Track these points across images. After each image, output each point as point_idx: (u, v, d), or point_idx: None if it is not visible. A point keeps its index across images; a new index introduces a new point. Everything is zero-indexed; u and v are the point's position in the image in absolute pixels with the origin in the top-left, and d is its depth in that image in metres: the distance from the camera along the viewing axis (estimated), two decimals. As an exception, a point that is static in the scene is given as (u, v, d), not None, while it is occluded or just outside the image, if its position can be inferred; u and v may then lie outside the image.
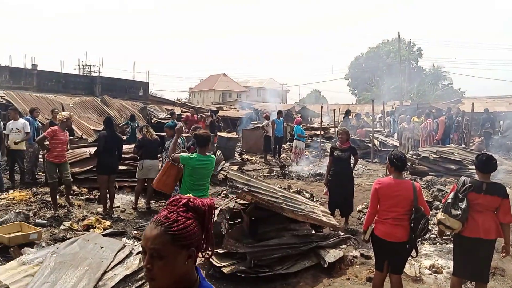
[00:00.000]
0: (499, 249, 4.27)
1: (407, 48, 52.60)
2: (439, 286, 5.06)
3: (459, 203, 4.06)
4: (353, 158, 7.39)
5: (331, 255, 5.45)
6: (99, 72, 32.54)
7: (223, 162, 11.28)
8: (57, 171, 7.46)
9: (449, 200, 4.17)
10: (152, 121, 19.30)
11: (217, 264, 4.95)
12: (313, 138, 18.38)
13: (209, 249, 1.53)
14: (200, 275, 1.54)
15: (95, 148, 7.78)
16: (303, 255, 5.45)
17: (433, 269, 5.45)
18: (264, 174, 11.81)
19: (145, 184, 8.01)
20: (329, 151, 7.44)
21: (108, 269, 4.26)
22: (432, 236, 6.46)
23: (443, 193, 8.11)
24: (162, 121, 17.41)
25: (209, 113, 20.08)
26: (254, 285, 4.90)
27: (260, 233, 5.53)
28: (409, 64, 51.38)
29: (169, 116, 16.60)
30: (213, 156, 5.57)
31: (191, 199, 1.47)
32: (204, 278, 1.55)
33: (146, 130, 8.32)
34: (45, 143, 7.26)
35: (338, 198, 7.12)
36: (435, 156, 11.15)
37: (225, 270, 4.87)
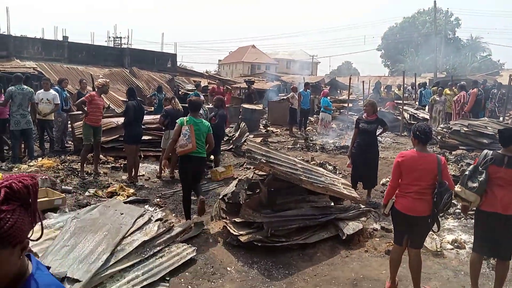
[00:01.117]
0: None
1: (444, 18, 50.24)
2: (460, 261, 4.94)
3: (478, 176, 3.91)
4: (380, 130, 7.23)
5: (350, 227, 5.41)
6: (129, 44, 32.87)
7: (247, 133, 11.27)
8: (93, 134, 7.75)
9: (467, 173, 4.04)
10: (180, 92, 19.44)
11: (234, 233, 5.00)
12: (341, 110, 18.06)
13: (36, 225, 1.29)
14: (34, 263, 1.33)
15: (123, 118, 7.92)
16: (322, 226, 5.43)
17: (455, 244, 5.32)
18: (288, 146, 11.75)
19: (170, 154, 8.11)
20: (355, 122, 7.27)
21: (127, 235, 4.38)
22: (457, 211, 6.27)
23: (470, 168, 7.82)
24: (189, 92, 17.52)
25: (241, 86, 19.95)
26: (271, 254, 4.94)
27: (279, 203, 5.53)
28: (446, 35, 49.17)
29: (195, 87, 16.63)
30: (205, 121, 6.13)
31: (10, 185, 1.22)
32: (39, 266, 1.34)
33: (172, 100, 8.39)
34: (84, 107, 7.67)
35: (361, 171, 6.99)
36: (466, 129, 10.71)
37: (242, 238, 4.91)
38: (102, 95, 8.03)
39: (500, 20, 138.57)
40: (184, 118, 5.79)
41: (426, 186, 3.90)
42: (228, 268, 4.64)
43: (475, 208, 4.13)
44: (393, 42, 56.50)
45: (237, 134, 11.06)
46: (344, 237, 5.27)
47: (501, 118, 12.93)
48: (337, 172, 8.51)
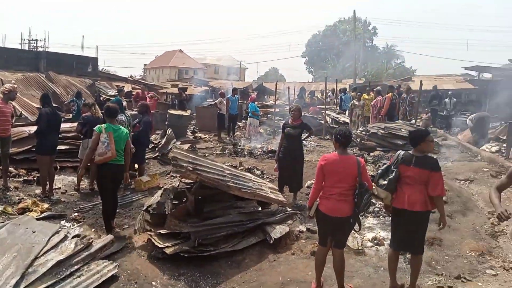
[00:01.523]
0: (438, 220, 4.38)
1: (363, 27, 53.42)
2: (380, 257, 5.21)
3: (389, 174, 4.17)
4: (304, 135, 7.45)
5: (277, 231, 5.48)
6: (45, 47, 30.74)
7: (174, 140, 11.02)
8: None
9: (379, 171, 4.33)
10: (101, 98, 18.50)
11: (160, 245, 4.83)
12: (268, 115, 18.37)
13: None
14: None
15: (36, 127, 7.32)
16: (250, 232, 5.44)
17: (375, 241, 5.60)
18: (217, 152, 11.68)
19: (88, 164, 7.64)
20: (282, 128, 7.42)
21: (39, 255, 4.05)
22: (376, 209, 6.62)
23: (383, 167, 8.35)
24: (111, 98, 16.73)
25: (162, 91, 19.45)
26: (199, 265, 4.84)
27: (206, 212, 5.44)
28: (365, 43, 52.30)
29: (117, 93, 15.95)
30: (124, 128, 5.94)
31: None
32: None
33: (91, 107, 7.90)
34: None
35: (288, 174, 7.14)
36: (383, 132, 11.43)
37: (168, 250, 4.76)
38: (10, 102, 7.36)
39: (413, 30, 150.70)
40: (102, 125, 5.59)
41: (347, 187, 4.06)
42: (153, 283, 4.46)
43: (384, 204, 4.40)
44: (316, 50, 58.93)
45: (163, 141, 10.76)
46: (271, 241, 5.33)
47: (413, 121, 13.96)
48: (265, 177, 8.61)
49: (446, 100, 17.11)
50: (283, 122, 7.91)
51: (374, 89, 15.08)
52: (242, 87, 27.52)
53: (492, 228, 6.11)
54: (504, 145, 11.19)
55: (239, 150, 11.71)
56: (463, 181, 8.42)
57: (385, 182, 4.18)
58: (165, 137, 10.93)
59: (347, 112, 15.71)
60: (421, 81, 15.19)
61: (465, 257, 5.25)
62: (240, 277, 4.72)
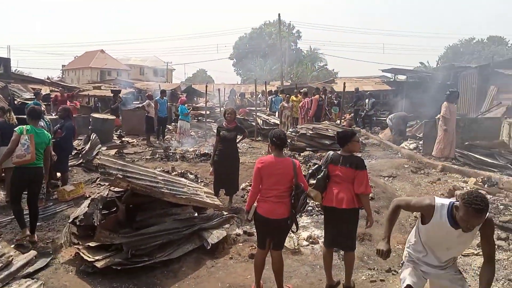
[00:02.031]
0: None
1: (287, 30, 54.90)
2: (315, 256, 5.33)
3: (319, 174, 4.32)
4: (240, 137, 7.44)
5: (214, 236, 5.40)
6: None
7: (99, 146, 10.42)
8: None
9: (310, 171, 4.49)
10: (16, 102, 17.00)
11: (89, 259, 4.52)
12: (199, 118, 18.16)
13: None
14: None
15: None
16: (186, 239, 5.29)
17: (310, 240, 5.73)
18: (147, 157, 11.28)
19: (3, 174, 6.97)
20: (215, 131, 7.32)
21: None
22: (309, 208, 6.78)
23: (314, 167, 8.65)
24: (27, 102, 15.43)
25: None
26: (133, 277, 4.60)
27: (139, 220, 5.19)
28: (290, 46, 53.80)
29: (34, 96, 14.75)
30: (46, 131, 5.89)
31: None
32: None
33: (6, 113, 7.16)
34: None
35: (224, 178, 7.06)
36: (311, 132, 11.81)
37: (99, 264, 4.46)
38: None
39: (334, 34, 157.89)
40: (24, 126, 5.40)
41: (284, 189, 4.10)
42: (84, 300, 4.15)
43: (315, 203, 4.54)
44: (244, 52, 59.44)
45: (87, 147, 10.12)
46: (209, 247, 5.23)
47: (338, 121, 14.62)
48: (199, 181, 8.46)
49: (366, 100, 18.16)
50: (218, 125, 7.83)
51: (301, 91, 15.55)
52: (170, 88, 26.88)
53: (415, 221, 6.54)
54: (421, 142, 12.10)
55: (171, 154, 11.41)
56: (387, 178, 8.94)
57: (314, 181, 4.33)
58: (89, 143, 10.30)
59: (276, 113, 16.03)
60: (344, 83, 15.97)
61: (394, 251, 5.49)
62: (177, 287, 4.56)
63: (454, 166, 9.17)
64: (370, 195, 7.16)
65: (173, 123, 17.72)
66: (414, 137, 13.63)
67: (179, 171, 8.96)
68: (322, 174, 4.32)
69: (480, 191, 7.19)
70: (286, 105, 14.70)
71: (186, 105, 14.89)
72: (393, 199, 3.00)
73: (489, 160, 9.06)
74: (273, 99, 17.57)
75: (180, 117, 14.18)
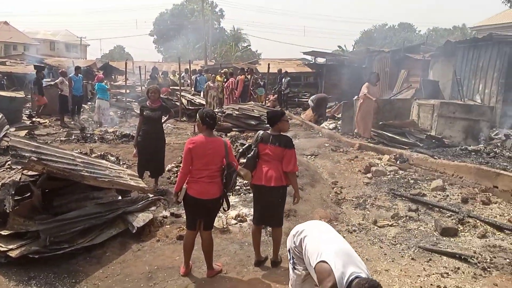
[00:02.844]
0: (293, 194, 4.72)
1: (210, 8, 53.96)
2: (244, 233, 5.42)
3: (249, 153, 4.40)
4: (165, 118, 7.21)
5: (140, 219, 5.23)
6: None
7: (7, 127, 9.49)
8: None
9: (240, 150, 4.54)
10: None
11: (2, 249, 4.14)
12: (118, 97, 17.29)
13: None
14: None
15: None
16: (110, 223, 5.07)
17: (238, 218, 5.80)
18: (61, 138, 10.51)
19: None
20: (138, 110, 7.00)
21: None
22: (237, 187, 6.83)
23: (245, 146, 8.74)
24: None
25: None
26: (53, 265, 4.33)
27: (57, 206, 4.87)
28: (213, 25, 53.04)
29: None
30: None
31: None
32: None
33: None
34: None
35: (148, 160, 6.82)
36: (238, 113, 11.86)
37: (13, 254, 4.12)
38: None
39: (257, 15, 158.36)
40: None
41: (216, 169, 4.08)
42: (-3, 293, 3.82)
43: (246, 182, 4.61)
44: (165, 28, 57.34)
45: (-8, 128, 9.18)
46: (134, 231, 5.06)
47: (263, 102, 14.86)
48: (121, 163, 8.10)
49: (283, 80, 18.56)
50: (141, 104, 7.49)
51: (227, 71, 15.49)
52: (86, 65, 25.20)
53: (336, 196, 6.92)
54: (340, 122, 12.74)
55: (88, 135, 10.76)
56: (309, 156, 9.31)
57: (244, 160, 4.41)
58: None
59: (201, 93, 15.81)
60: (268, 64, 16.20)
61: (317, 225, 5.83)
62: (102, 272, 4.37)
63: (370, 144, 9.79)
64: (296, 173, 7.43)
65: (89, 102, 16.69)
66: (333, 117, 14.30)
67: (99, 153, 8.49)
68: (252, 153, 4.38)
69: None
70: (212, 85, 14.54)
71: (104, 82, 14.07)
72: None
73: (401, 139, 9.81)
74: (197, 78, 17.26)
75: (98, 95, 13.37)
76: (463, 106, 10.60)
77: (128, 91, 16.71)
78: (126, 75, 16.92)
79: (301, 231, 3.17)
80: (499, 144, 9.50)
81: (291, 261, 3.28)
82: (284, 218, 5.58)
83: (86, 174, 5.07)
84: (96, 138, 10.44)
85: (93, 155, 7.69)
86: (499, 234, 5.34)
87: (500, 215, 5.89)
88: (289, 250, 3.31)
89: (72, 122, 13.17)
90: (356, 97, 11.38)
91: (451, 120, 10.06)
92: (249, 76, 15.35)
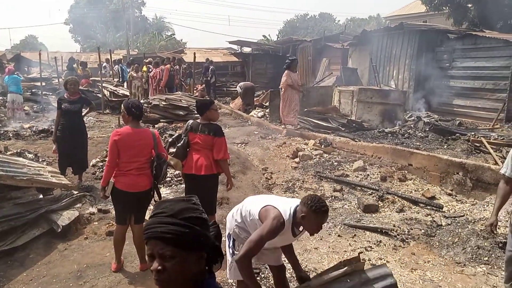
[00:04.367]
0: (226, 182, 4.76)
1: (129, -4, 51.67)
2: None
3: (178, 142, 4.39)
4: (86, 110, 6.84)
5: (65, 217, 5.00)
6: None
7: None
8: None
9: (169, 140, 4.50)
10: None
11: None
12: (33, 90, 16.05)
13: None
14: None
15: None
16: (31, 224, 4.78)
17: (170, 210, 5.74)
18: (-31, 136, 9.59)
19: None
20: (56, 104, 6.59)
21: None
22: (168, 179, 6.75)
23: (174, 136, 8.61)
24: None
25: None
26: (-32, 273, 3.99)
27: (-31, 209, 4.47)
28: (134, 13, 50.95)
29: None
30: None
31: None
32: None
33: None
34: None
35: (70, 155, 6.48)
36: (165, 103, 11.59)
37: None
38: None
39: (179, 3, 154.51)
40: None
41: (144, 160, 4.01)
42: None
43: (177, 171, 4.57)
44: (82, 17, 53.96)
45: None
46: (59, 230, 4.82)
47: (190, 93, 14.67)
48: (40, 160, 7.60)
49: (210, 69, 18.46)
50: (58, 97, 7.04)
51: (152, 61, 15.05)
52: (-7, 57, 23.01)
53: (267, 182, 7.12)
54: (267, 110, 13.00)
55: (1, 132, 9.91)
56: (240, 144, 9.42)
57: (174, 149, 4.37)
58: None
59: (125, 84, 15.23)
60: (194, 53, 16.01)
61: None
62: (26, 275, 4.12)
63: (296, 131, 10.14)
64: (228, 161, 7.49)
65: (0, 97, 15.32)
66: (262, 106, 14.55)
67: (15, 151, 7.89)
68: (182, 142, 4.36)
69: (318, 151, 8.17)
70: (135, 75, 14.05)
71: (16, 73, 12.96)
72: (236, 259, 2.74)
73: (324, 124, 10.28)
74: (123, 67, 16.56)
75: (9, 89, 12.29)
76: (379, 91, 11.36)
77: (43, 83, 15.56)
78: (40, 66, 15.74)
79: (239, 207, 3.15)
80: (412, 125, 10.33)
81: (230, 246, 3.16)
82: (217, 206, 5.67)
83: (1, 173, 4.71)
84: (11, 135, 9.66)
85: (8, 153, 7.13)
86: (414, 208, 5.85)
87: (415, 190, 6.46)
88: (228, 235, 3.18)
89: (-19, 120, 12.03)
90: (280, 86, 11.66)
91: (369, 105, 10.74)
92: (176, 66, 15.04)
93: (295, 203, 2.83)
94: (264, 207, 2.85)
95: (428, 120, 10.60)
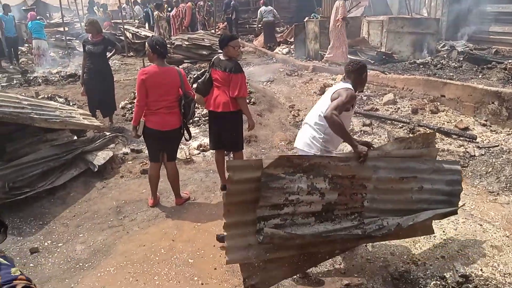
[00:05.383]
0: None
1: None
2: (207, 162, 5.50)
3: (201, 78, 4.34)
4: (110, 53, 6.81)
5: (100, 158, 5.17)
6: None
7: None
8: None
9: (194, 76, 4.43)
10: None
11: (-43, 201, 3.99)
12: (57, 36, 16.08)
13: None
14: None
15: None
16: (69, 164, 4.97)
17: (201, 148, 5.85)
18: (2, 84, 9.81)
19: None
20: (81, 48, 6.56)
21: None
22: (196, 119, 6.80)
23: (200, 72, 8.54)
24: None
25: None
26: (16, 210, 4.26)
27: (10, 151, 4.67)
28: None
29: None
30: None
31: None
32: None
33: None
34: None
35: (98, 97, 6.55)
36: (188, 43, 11.41)
37: (-30, 204, 3.98)
38: None
39: None
40: None
41: (173, 99, 4.00)
42: (-39, 244, 3.74)
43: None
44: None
45: None
46: (95, 169, 5.01)
47: (213, 31, 14.30)
48: (71, 104, 7.75)
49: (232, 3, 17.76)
50: (83, 40, 6.99)
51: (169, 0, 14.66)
52: (14, 4, 22.92)
53: (294, 119, 7.07)
54: (293, 46, 12.63)
55: (31, 78, 10.10)
56: (265, 82, 9.30)
57: (196, 85, 4.34)
58: None
59: (146, 25, 15.00)
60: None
61: (278, 147, 6.00)
62: (69, 212, 4.37)
63: (323, 66, 9.88)
64: (252, 100, 7.44)
65: (26, 44, 15.44)
66: (286, 42, 14.12)
67: (46, 96, 8.06)
68: (203, 78, 4.30)
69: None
70: (161, 15, 13.76)
71: (38, 18, 12.90)
72: (326, 114, 2.88)
73: (353, 57, 9.93)
74: (149, 11, 16.20)
75: (33, 35, 12.33)
76: (411, 20, 10.75)
77: (66, 28, 15.52)
78: (62, 11, 15.62)
79: (306, 136, 3.29)
80: (445, 55, 9.84)
81: None
82: (245, 143, 5.72)
83: (35, 116, 4.84)
84: (40, 81, 9.83)
85: (40, 97, 7.30)
86: (447, 140, 5.74)
87: (448, 122, 6.29)
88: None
89: (11, 67, 12.24)
90: (307, 18, 11.22)
91: (400, 35, 10.23)
92: (200, 2, 14.58)
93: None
94: (331, 94, 3.15)
95: (462, 49, 10.07)
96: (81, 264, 3.46)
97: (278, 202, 2.62)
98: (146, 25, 14.96)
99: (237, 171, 2.56)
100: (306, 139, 3.24)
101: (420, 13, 12.95)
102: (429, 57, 9.75)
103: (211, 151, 5.67)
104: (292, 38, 13.05)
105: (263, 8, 13.78)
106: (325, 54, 10.33)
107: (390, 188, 2.96)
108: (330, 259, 3.30)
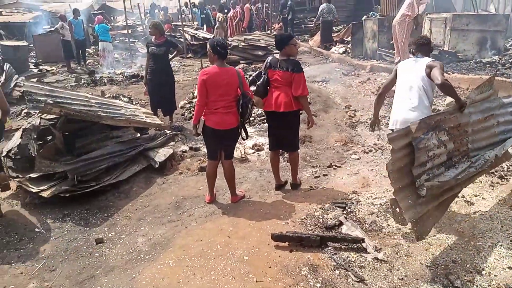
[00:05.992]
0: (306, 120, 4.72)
1: None
2: (262, 161, 5.55)
3: (258, 80, 4.35)
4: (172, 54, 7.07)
5: (161, 154, 5.38)
6: None
7: (16, 76, 9.49)
8: None
9: (250, 78, 4.47)
10: None
11: (34, 190, 4.34)
12: (121, 38, 16.92)
13: None
14: None
15: None
16: (132, 160, 5.23)
17: (255, 148, 5.91)
18: (71, 84, 10.51)
19: None
20: (143, 51, 6.88)
21: None
22: (251, 118, 6.87)
23: (255, 73, 8.61)
24: None
25: None
26: (84, 202, 4.55)
27: (79, 147, 5.00)
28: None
29: None
30: None
31: None
32: None
33: None
34: None
35: (159, 97, 6.82)
36: (244, 44, 11.57)
37: (45, 194, 4.32)
38: None
39: None
40: None
41: (231, 99, 4.08)
42: (37, 230, 4.07)
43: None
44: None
45: (2, 79, 9.20)
46: (156, 166, 5.22)
47: (268, 31, 14.41)
48: (134, 103, 8.14)
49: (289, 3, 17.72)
50: (147, 41, 7.32)
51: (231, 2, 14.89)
52: (84, 8, 24.40)
53: (350, 120, 6.94)
54: (349, 45, 12.40)
55: (97, 78, 10.73)
56: (321, 82, 9.21)
57: (254, 88, 4.35)
58: (4, 74, 9.34)
59: (204, 27, 15.37)
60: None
61: (333, 148, 5.93)
62: (131, 206, 4.59)
63: (381, 65, 9.60)
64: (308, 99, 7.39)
65: (92, 47, 16.41)
66: (342, 41, 13.88)
67: (111, 95, 8.53)
68: (261, 80, 4.32)
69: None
70: (224, 17, 14.07)
71: (105, 22, 13.68)
72: (440, 82, 3.39)
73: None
74: (208, 11, 16.64)
75: (100, 38, 13.09)
76: (477, 17, 10.14)
77: (130, 31, 16.28)
78: (126, 14, 16.39)
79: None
80: (515, 54, 9.21)
81: None
82: (300, 143, 5.69)
83: (102, 114, 5.14)
84: (106, 81, 10.42)
85: (106, 97, 7.73)
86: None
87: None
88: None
89: (79, 67, 13.07)
90: (365, 16, 10.94)
91: (465, 33, 9.69)
92: (258, 4, 14.71)
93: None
94: (425, 68, 3.66)
95: (535, 47, 9.36)
96: (142, 255, 3.62)
97: (424, 160, 3.16)
98: (204, 27, 15.30)
99: (395, 141, 3.07)
100: (420, 114, 3.62)
101: (487, 9, 12.21)
102: (497, 56, 9.17)
103: (266, 150, 5.72)
104: (349, 37, 12.80)
105: (325, 5, 13.42)
106: (383, 54, 10.05)
107: (481, 128, 3.69)
108: (388, 266, 3.22)
